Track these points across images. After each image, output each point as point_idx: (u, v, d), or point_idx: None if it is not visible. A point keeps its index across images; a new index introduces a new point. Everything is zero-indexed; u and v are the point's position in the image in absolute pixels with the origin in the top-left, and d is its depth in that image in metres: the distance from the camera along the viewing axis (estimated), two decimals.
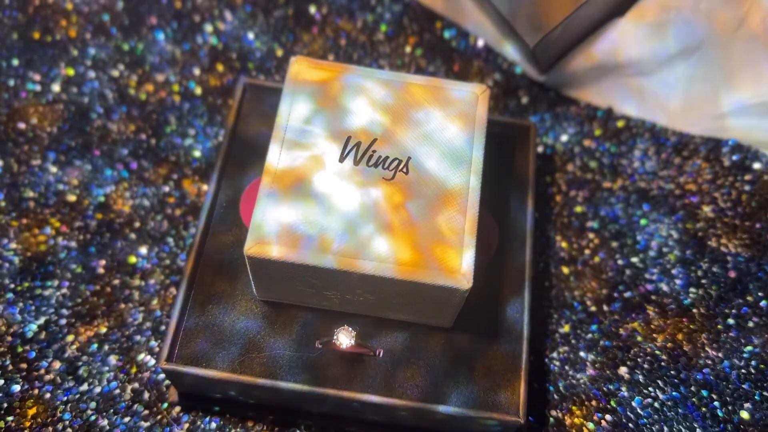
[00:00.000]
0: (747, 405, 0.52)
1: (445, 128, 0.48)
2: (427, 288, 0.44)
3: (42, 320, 0.54)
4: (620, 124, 0.64)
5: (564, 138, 0.64)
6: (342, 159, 0.46)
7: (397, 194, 0.45)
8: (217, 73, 0.66)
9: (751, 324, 0.55)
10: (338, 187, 0.45)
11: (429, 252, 0.44)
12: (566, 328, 0.56)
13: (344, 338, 0.48)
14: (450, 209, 0.45)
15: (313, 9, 0.69)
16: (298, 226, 0.44)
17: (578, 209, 0.61)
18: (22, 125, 0.62)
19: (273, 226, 0.44)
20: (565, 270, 0.59)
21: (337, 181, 0.46)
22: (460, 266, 0.44)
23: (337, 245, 0.44)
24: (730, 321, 0.55)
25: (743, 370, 0.53)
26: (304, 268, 0.44)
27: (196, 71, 0.66)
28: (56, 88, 0.64)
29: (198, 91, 0.65)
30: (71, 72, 0.64)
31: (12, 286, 0.55)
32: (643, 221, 0.60)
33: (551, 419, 0.53)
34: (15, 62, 0.64)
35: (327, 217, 0.45)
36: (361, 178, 0.46)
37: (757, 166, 0.60)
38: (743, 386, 0.53)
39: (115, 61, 0.65)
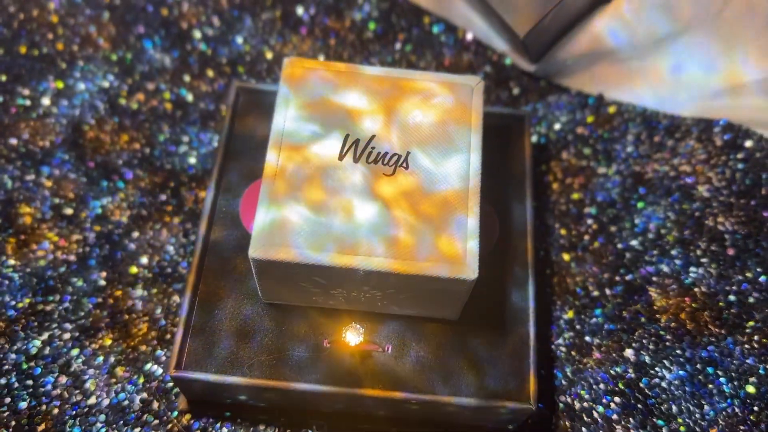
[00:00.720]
0: (752, 379, 0.53)
1: (443, 121, 0.48)
2: (434, 281, 0.44)
3: (45, 335, 0.54)
4: (612, 109, 0.65)
5: (557, 126, 0.65)
6: (341, 157, 0.46)
7: (399, 189, 0.46)
8: (208, 78, 0.66)
9: (751, 300, 0.56)
10: (339, 185, 0.46)
11: (433, 245, 0.44)
12: (570, 314, 0.56)
13: (352, 336, 0.48)
14: (451, 201, 0.46)
15: (300, 10, 0.69)
16: (302, 227, 0.44)
17: (575, 196, 0.62)
18: (13, 141, 0.61)
19: (276, 227, 0.44)
20: (566, 257, 0.59)
21: (337, 179, 0.46)
22: (465, 257, 0.44)
23: (341, 243, 0.44)
24: (731, 298, 0.56)
25: (747, 346, 0.54)
26: (309, 268, 0.44)
27: (187, 78, 0.65)
28: (46, 101, 0.63)
29: (189, 97, 0.65)
30: (60, 85, 0.64)
31: (13, 303, 0.55)
32: (639, 204, 0.60)
33: (561, 405, 0.53)
34: (3, 78, 0.64)
35: (330, 215, 0.45)
36: (362, 174, 0.46)
37: (748, 144, 0.61)
38: (747, 361, 0.53)
39: (105, 72, 0.65)
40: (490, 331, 0.50)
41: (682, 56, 0.62)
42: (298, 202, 0.45)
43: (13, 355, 0.53)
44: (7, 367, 0.52)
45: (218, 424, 0.52)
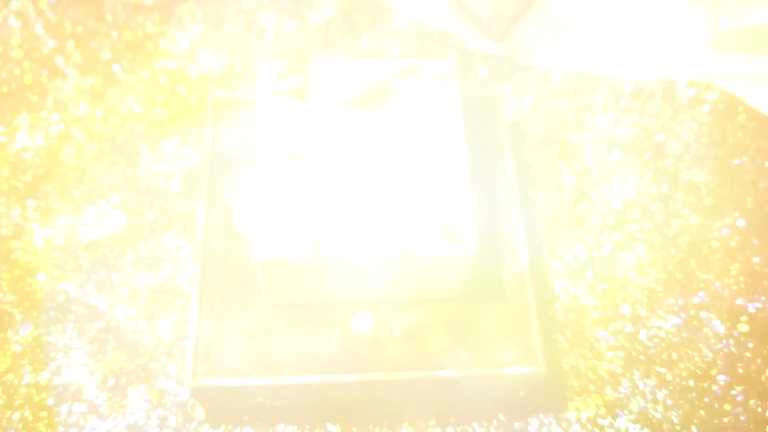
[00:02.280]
0: (743, 318, 0.55)
1: (422, 106, 0.50)
2: (434, 260, 0.45)
3: (54, 366, 0.54)
4: (577, 81, 0.67)
5: (527, 104, 0.67)
6: (329, 151, 0.48)
7: (390, 176, 0.47)
8: (181, 95, 0.66)
9: (733, 243, 0.58)
10: (331, 179, 0.47)
11: (430, 225, 0.46)
12: (564, 279, 0.58)
13: (361, 324, 0.49)
14: (442, 181, 0.47)
15: (263, 18, 0.70)
16: (300, 224, 0.45)
17: (553, 167, 0.64)
18: None
19: (276, 229, 0.45)
20: (552, 226, 0.61)
21: (329, 173, 0.47)
22: (462, 234, 0.46)
23: (340, 235, 0.45)
24: (714, 244, 0.58)
25: (734, 287, 0.56)
26: (313, 263, 0.45)
27: (160, 97, 0.66)
28: (23, 136, 0.63)
29: (165, 116, 0.65)
30: (35, 118, 0.64)
31: (16, 338, 0.55)
32: (616, 167, 0.63)
33: (566, 366, 0.55)
34: None
35: (326, 209, 0.46)
36: (352, 166, 0.47)
37: (711, 97, 0.64)
38: (737, 302, 0.56)
39: (77, 100, 0.65)
40: (491, 304, 0.51)
41: (636, 23, 0.64)
42: (293, 201, 0.46)
43: (24, 389, 0.53)
44: (19, 401, 0.52)
45: (238, 429, 0.52)
